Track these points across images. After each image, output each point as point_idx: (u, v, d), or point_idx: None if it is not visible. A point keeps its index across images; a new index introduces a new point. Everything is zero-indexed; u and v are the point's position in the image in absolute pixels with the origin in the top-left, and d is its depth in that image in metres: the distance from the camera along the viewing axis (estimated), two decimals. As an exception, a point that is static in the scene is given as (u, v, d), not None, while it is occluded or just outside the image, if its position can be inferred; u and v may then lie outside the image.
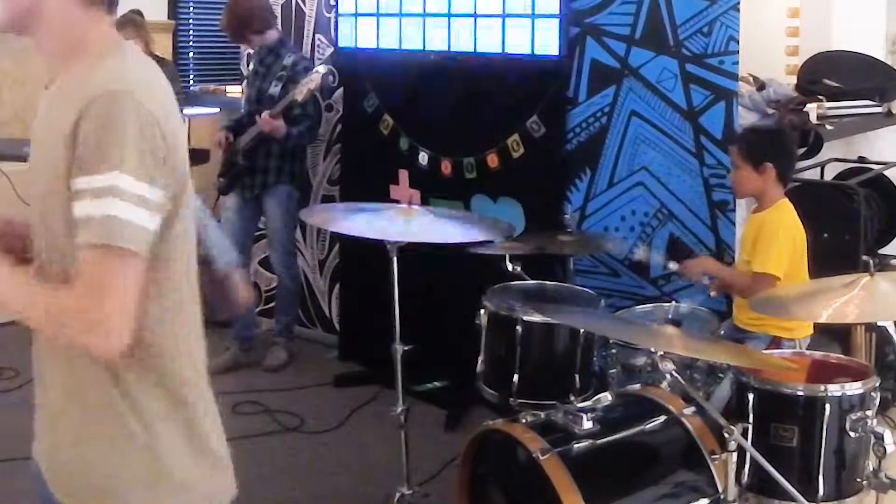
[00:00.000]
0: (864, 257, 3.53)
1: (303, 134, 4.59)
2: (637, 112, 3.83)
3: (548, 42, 3.95)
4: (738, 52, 3.58)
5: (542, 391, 3.01)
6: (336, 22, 4.76)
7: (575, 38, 3.93)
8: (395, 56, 4.48)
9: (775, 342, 3.17)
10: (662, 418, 2.56)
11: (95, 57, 1.55)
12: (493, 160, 4.21)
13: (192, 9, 7.22)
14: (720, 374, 2.97)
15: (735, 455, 2.36)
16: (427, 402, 4.15)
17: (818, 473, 2.49)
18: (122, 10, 5.56)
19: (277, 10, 5.01)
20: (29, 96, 5.62)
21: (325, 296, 5.11)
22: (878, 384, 2.57)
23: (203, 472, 1.67)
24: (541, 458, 2.34)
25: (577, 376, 3.05)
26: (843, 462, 2.50)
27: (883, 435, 2.49)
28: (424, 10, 4.33)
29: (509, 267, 3.37)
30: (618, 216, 3.95)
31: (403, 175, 4.53)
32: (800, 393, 2.53)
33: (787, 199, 3.27)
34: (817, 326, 3.25)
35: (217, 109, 6.20)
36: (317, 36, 4.94)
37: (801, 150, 3.88)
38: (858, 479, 2.52)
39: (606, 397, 2.66)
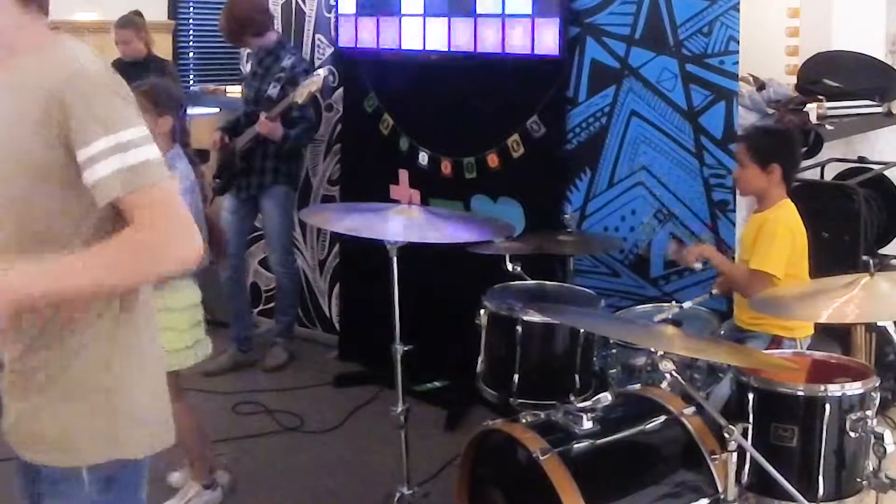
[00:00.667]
0: (864, 257, 3.53)
1: (300, 136, 4.59)
2: (637, 112, 3.83)
3: (548, 42, 3.95)
4: (738, 52, 3.58)
5: (542, 391, 3.01)
6: (336, 22, 4.76)
7: (575, 38, 3.93)
8: (395, 56, 4.48)
9: (776, 341, 3.18)
10: (662, 418, 2.56)
11: (35, 52, 1.68)
12: (493, 160, 4.21)
13: (192, 9, 7.22)
14: (720, 374, 2.97)
15: (735, 455, 2.36)
16: (427, 402, 4.15)
17: (818, 473, 2.49)
18: (122, 10, 5.56)
19: (277, 11, 5.01)
20: None
21: (325, 296, 5.11)
22: (878, 384, 2.57)
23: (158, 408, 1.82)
24: (541, 458, 2.34)
25: (577, 376, 3.05)
26: (843, 462, 2.50)
27: (883, 435, 2.49)
28: (425, 10, 4.33)
29: (509, 267, 3.36)
30: (618, 216, 3.95)
31: (403, 175, 4.53)
32: (800, 393, 2.53)
33: (788, 199, 3.27)
34: (817, 326, 3.25)
35: (217, 109, 6.19)
36: (317, 36, 4.94)
37: (802, 150, 3.88)
38: (858, 479, 2.52)
39: (606, 397, 2.65)
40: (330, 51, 4.87)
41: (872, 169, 4.59)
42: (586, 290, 3.45)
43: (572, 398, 2.89)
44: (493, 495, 2.60)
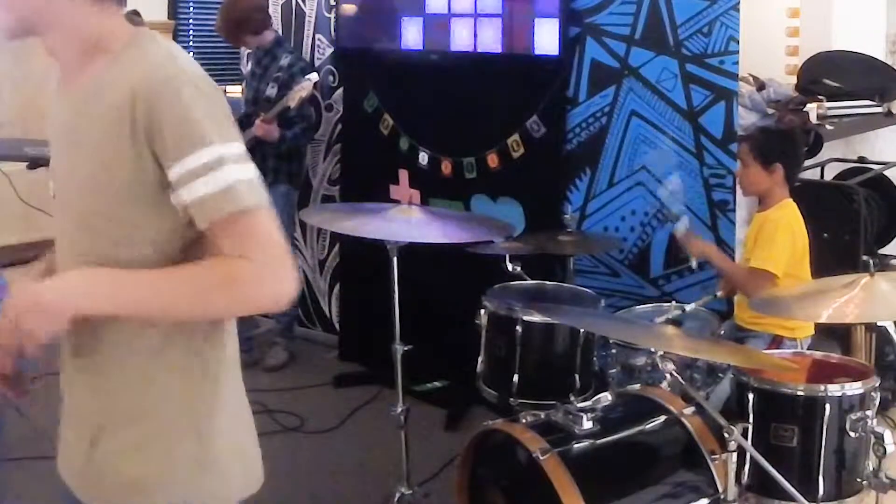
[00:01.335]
0: (864, 257, 3.53)
1: (297, 136, 4.59)
2: (637, 112, 3.83)
3: (548, 42, 3.95)
4: (738, 52, 3.58)
5: (542, 391, 3.01)
6: (336, 22, 4.75)
7: (575, 38, 3.93)
8: (395, 56, 4.48)
9: (776, 341, 3.18)
10: (662, 418, 2.56)
11: (119, 50, 1.51)
12: (493, 160, 4.21)
13: (192, 9, 7.22)
14: (720, 374, 2.97)
15: (735, 455, 2.36)
16: (427, 402, 4.15)
17: (818, 473, 2.49)
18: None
19: (277, 11, 5.01)
20: (30, 96, 5.62)
21: (325, 296, 5.11)
22: (878, 384, 2.57)
23: (239, 460, 1.66)
24: (541, 458, 2.34)
25: (577, 376, 3.05)
26: (843, 462, 2.50)
27: (883, 435, 2.49)
28: (425, 10, 4.33)
29: (509, 267, 3.37)
30: (618, 216, 3.95)
31: (403, 175, 4.53)
32: (800, 393, 2.53)
33: (790, 199, 3.27)
34: (817, 326, 3.26)
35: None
36: (317, 36, 4.94)
37: (804, 150, 3.88)
38: (858, 479, 2.52)
39: (606, 397, 2.65)
40: (330, 51, 4.87)
41: (872, 169, 4.60)
42: (586, 290, 3.45)
43: (572, 398, 2.89)
44: (493, 495, 2.60)
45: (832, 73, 4.69)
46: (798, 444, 2.49)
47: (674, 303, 3.34)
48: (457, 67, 4.25)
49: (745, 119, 4.19)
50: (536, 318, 3.03)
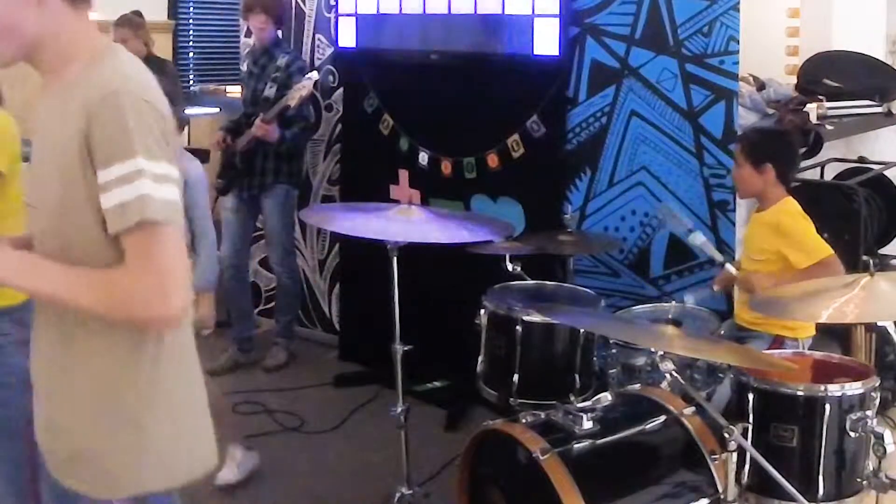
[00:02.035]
0: (864, 257, 3.53)
1: (297, 135, 4.60)
2: (637, 112, 3.83)
3: (548, 42, 3.95)
4: (738, 52, 3.58)
5: (542, 391, 3.01)
6: (336, 22, 4.76)
7: (575, 38, 3.93)
8: (395, 56, 4.48)
9: (777, 341, 3.18)
10: (662, 418, 2.56)
11: (88, 61, 1.64)
12: (493, 160, 4.21)
13: (192, 9, 7.22)
14: (720, 374, 2.97)
15: (735, 455, 2.36)
16: (427, 402, 4.15)
17: (818, 473, 2.49)
18: (122, 10, 5.55)
19: (277, 11, 5.01)
20: (29, 96, 5.61)
21: (325, 296, 5.11)
22: (878, 384, 2.57)
23: (183, 446, 1.75)
24: (541, 458, 2.34)
25: (577, 376, 3.05)
26: (843, 462, 2.50)
27: (883, 435, 2.49)
28: (425, 10, 4.33)
29: (509, 267, 3.37)
30: (618, 216, 3.95)
31: (403, 175, 4.53)
32: (800, 393, 2.53)
33: (790, 197, 3.27)
34: (818, 326, 3.25)
35: (217, 109, 6.20)
36: (317, 36, 4.94)
37: (802, 150, 3.88)
38: (858, 479, 2.52)
39: (606, 397, 2.66)
40: (330, 51, 4.87)
41: (872, 169, 4.59)
42: (586, 290, 3.45)
43: (572, 398, 2.89)
44: (493, 495, 2.60)
45: (832, 73, 4.69)
46: (798, 444, 2.49)
47: (673, 302, 3.34)
48: (457, 67, 4.25)
49: (745, 119, 4.18)
50: (536, 318, 3.03)
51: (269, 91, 4.55)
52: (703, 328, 3.20)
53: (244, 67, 4.79)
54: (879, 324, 3.75)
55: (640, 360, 3.02)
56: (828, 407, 2.49)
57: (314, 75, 4.47)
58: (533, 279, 3.45)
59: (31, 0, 1.61)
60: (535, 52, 3.99)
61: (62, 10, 1.64)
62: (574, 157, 4.03)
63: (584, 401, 2.79)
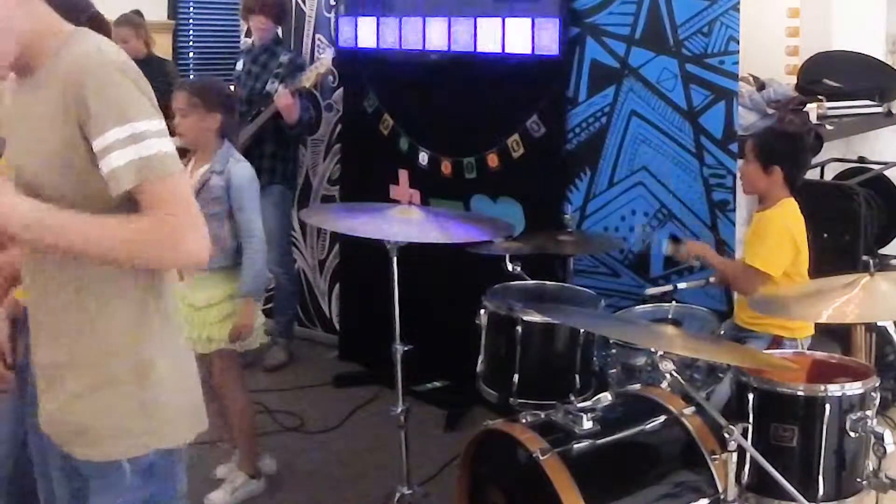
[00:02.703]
0: (864, 257, 3.53)
1: (308, 123, 4.63)
2: (637, 112, 3.83)
3: (548, 42, 3.95)
4: (738, 52, 3.58)
5: (542, 391, 3.01)
6: (336, 22, 4.76)
7: (575, 38, 3.93)
8: (395, 56, 4.48)
9: (777, 341, 3.18)
10: (662, 418, 2.56)
11: (58, 47, 1.68)
12: (493, 160, 4.21)
13: (192, 9, 7.22)
14: (720, 374, 2.97)
15: (735, 455, 2.36)
16: (427, 402, 4.15)
17: (818, 473, 2.49)
18: (122, 10, 5.54)
19: (277, 10, 5.01)
20: None
21: (325, 296, 5.11)
22: (878, 384, 2.57)
23: (185, 403, 1.82)
24: (541, 458, 2.34)
25: (577, 376, 3.05)
26: (843, 462, 2.50)
27: (883, 435, 2.49)
28: (425, 9, 4.33)
29: (509, 267, 3.36)
30: (618, 216, 3.95)
31: (403, 175, 4.53)
32: (800, 393, 2.52)
33: (791, 199, 3.27)
34: (817, 327, 3.25)
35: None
36: (317, 36, 4.94)
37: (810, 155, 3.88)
38: (858, 479, 2.52)
39: (606, 397, 2.66)
40: (330, 51, 4.87)
41: (872, 169, 4.60)
42: (586, 290, 3.45)
43: (572, 398, 2.89)
44: (493, 495, 2.60)
45: (832, 73, 4.69)
46: (798, 444, 2.49)
47: (673, 303, 3.33)
48: (457, 67, 4.25)
49: (745, 119, 4.18)
50: (536, 318, 3.03)
51: (271, 87, 4.55)
52: (703, 328, 3.21)
53: (239, 66, 4.78)
54: (879, 324, 3.75)
55: (640, 360, 3.02)
56: (828, 407, 2.48)
57: (329, 52, 4.46)
58: (533, 279, 3.45)
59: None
60: (535, 52, 3.99)
61: (38, 5, 1.70)
62: (574, 157, 4.03)
63: (584, 401, 2.79)
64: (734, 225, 3.66)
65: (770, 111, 4.36)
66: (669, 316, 3.12)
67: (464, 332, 3.31)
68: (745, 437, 2.45)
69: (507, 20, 4.06)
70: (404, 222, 3.06)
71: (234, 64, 4.88)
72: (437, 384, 4.33)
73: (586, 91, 3.95)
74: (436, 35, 4.29)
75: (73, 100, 1.60)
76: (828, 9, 5.26)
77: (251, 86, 4.65)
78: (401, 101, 4.53)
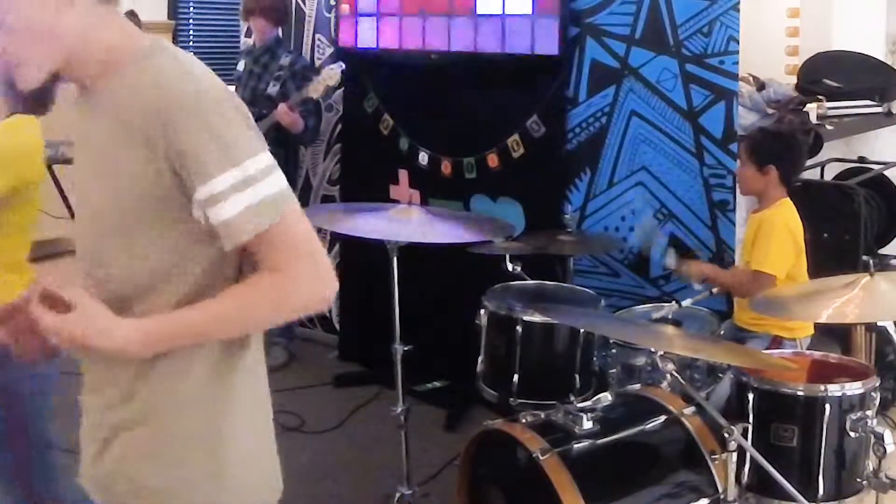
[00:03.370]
0: (864, 257, 3.53)
1: (315, 128, 4.62)
2: (637, 112, 3.83)
3: (548, 42, 3.95)
4: (738, 52, 3.58)
5: (542, 391, 3.01)
6: (336, 22, 4.76)
7: (575, 38, 3.93)
8: (395, 56, 4.48)
9: (776, 342, 3.18)
10: (662, 418, 2.56)
11: (138, 60, 1.46)
12: (493, 160, 4.21)
13: (192, 9, 7.23)
14: (720, 374, 2.97)
15: (735, 455, 2.36)
16: (427, 402, 4.15)
17: (818, 473, 2.49)
18: (121, 10, 5.52)
19: (277, 10, 5.01)
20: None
21: (325, 296, 5.10)
22: (878, 384, 2.57)
23: (254, 471, 1.68)
24: (541, 458, 2.34)
25: (577, 376, 3.05)
26: (843, 462, 2.50)
27: (883, 435, 2.49)
28: (425, 9, 4.33)
29: (509, 267, 3.36)
30: (618, 216, 3.95)
31: (403, 175, 4.53)
32: (800, 393, 2.53)
33: (787, 199, 3.27)
34: (817, 327, 3.25)
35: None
36: (317, 36, 4.93)
37: (805, 154, 3.88)
38: (858, 479, 2.52)
39: (606, 397, 2.66)
40: (330, 51, 4.87)
41: (872, 169, 4.60)
42: (586, 290, 3.45)
43: (572, 398, 2.89)
44: (493, 495, 2.60)
45: (832, 73, 4.70)
46: (798, 444, 2.49)
47: (673, 303, 3.34)
48: (457, 67, 4.25)
49: (745, 119, 4.18)
50: (536, 318, 3.03)
51: (273, 89, 4.55)
52: (703, 328, 3.21)
53: (240, 67, 4.78)
54: (879, 324, 3.74)
55: (640, 360, 3.02)
56: (828, 407, 2.49)
57: (339, 66, 4.43)
58: (533, 279, 3.45)
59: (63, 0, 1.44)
60: (535, 52, 3.99)
61: (93, 8, 1.47)
62: (574, 157, 4.03)
63: (584, 401, 2.80)
64: (734, 225, 3.66)
65: (770, 111, 4.36)
66: (669, 316, 3.12)
67: (464, 332, 3.31)
68: (745, 437, 2.45)
69: (507, 20, 4.06)
70: (404, 222, 3.06)
71: (235, 64, 4.88)
72: (437, 384, 4.32)
73: (586, 91, 3.95)
74: (436, 35, 4.30)
75: (164, 136, 1.39)
76: (828, 9, 5.26)
77: (253, 86, 4.64)
78: (401, 101, 4.53)
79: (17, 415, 2.37)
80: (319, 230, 5.36)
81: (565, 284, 3.60)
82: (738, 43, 3.57)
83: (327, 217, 3.51)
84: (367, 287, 4.45)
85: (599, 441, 2.45)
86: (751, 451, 2.42)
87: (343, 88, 4.80)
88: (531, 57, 4.00)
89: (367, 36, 4.59)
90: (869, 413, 2.51)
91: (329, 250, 5.05)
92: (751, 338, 3.22)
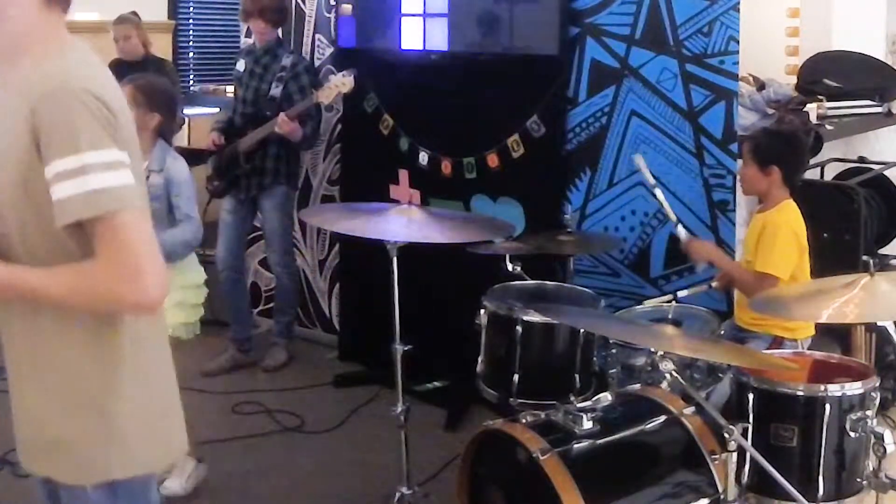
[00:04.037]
0: (864, 257, 3.53)
1: (315, 134, 4.62)
2: (637, 112, 3.83)
3: (548, 42, 3.95)
4: (738, 52, 3.58)
5: (542, 391, 3.01)
6: (336, 22, 4.75)
7: (575, 38, 3.93)
8: (395, 56, 4.48)
9: (777, 342, 3.18)
10: (662, 418, 2.56)
11: (40, 57, 1.65)
12: (493, 160, 4.21)
13: (192, 9, 7.23)
14: (720, 374, 2.97)
15: (735, 455, 2.36)
16: (427, 402, 4.15)
17: (818, 473, 2.49)
18: (121, 10, 5.54)
19: (277, 10, 5.00)
20: None
21: (325, 296, 5.11)
22: (878, 384, 2.57)
23: (148, 436, 1.78)
24: (541, 458, 2.34)
25: (577, 376, 3.05)
26: (843, 462, 2.50)
27: (883, 435, 2.49)
28: (425, 10, 4.33)
29: (509, 267, 3.36)
30: (618, 216, 3.95)
31: (403, 175, 4.53)
32: (800, 393, 2.53)
33: (790, 200, 3.27)
34: (818, 327, 3.25)
35: (217, 109, 6.20)
36: (317, 36, 4.93)
37: (808, 154, 3.88)
38: (858, 479, 2.52)
39: (606, 397, 2.66)
40: (330, 51, 4.87)
41: (872, 169, 4.60)
42: (586, 290, 3.45)
43: (572, 398, 2.89)
44: (493, 495, 2.60)
45: (832, 73, 4.70)
46: (798, 444, 2.49)
47: (674, 303, 3.34)
48: (457, 67, 4.25)
49: (745, 119, 4.18)
50: (536, 318, 3.03)
51: (275, 90, 4.55)
52: (703, 328, 3.21)
53: (241, 66, 4.77)
54: (879, 324, 3.75)
55: (640, 360, 3.02)
56: (828, 407, 2.49)
57: (353, 72, 4.41)
58: (533, 279, 3.45)
59: None
60: (535, 52, 3.99)
61: (27, 3, 1.66)
62: (574, 157, 4.03)
63: (584, 401, 2.79)
64: (734, 225, 3.66)
65: (770, 111, 4.36)
66: (669, 316, 3.12)
67: (464, 332, 3.31)
68: (745, 437, 2.45)
69: (506, 20, 4.06)
70: (404, 222, 3.06)
71: (234, 64, 4.87)
72: (437, 384, 4.32)
73: (586, 91, 3.95)
74: (436, 35, 4.30)
75: (35, 120, 1.57)
76: (828, 9, 5.26)
77: (255, 87, 4.64)
78: (401, 101, 4.53)
79: None
80: (320, 230, 5.40)
81: (565, 284, 3.60)
82: (738, 43, 3.57)
83: (327, 217, 3.51)
84: (367, 287, 4.46)
85: (599, 441, 2.45)
86: (751, 451, 2.42)
87: (343, 88, 4.81)
88: (531, 57, 4.00)
89: (367, 36, 4.59)
90: (869, 413, 2.51)
91: (329, 250, 5.05)
92: (751, 338, 3.22)
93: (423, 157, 4.45)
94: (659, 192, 3.45)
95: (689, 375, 2.91)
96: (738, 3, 3.55)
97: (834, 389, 2.51)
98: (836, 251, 3.92)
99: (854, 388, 2.52)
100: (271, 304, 5.12)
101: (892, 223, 4.54)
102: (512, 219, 3.88)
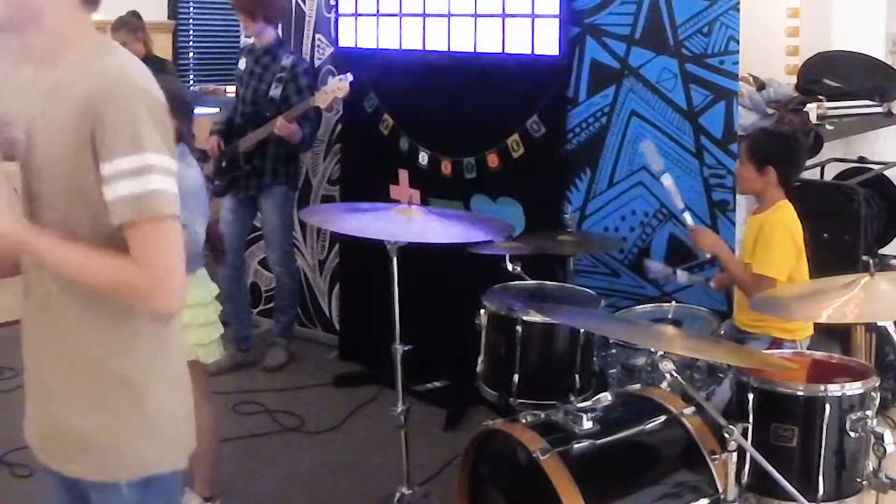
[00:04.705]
0: (864, 257, 3.53)
1: (313, 136, 4.62)
2: (637, 112, 3.83)
3: (548, 42, 3.95)
4: (738, 52, 3.58)
5: (542, 391, 3.01)
6: (336, 22, 4.76)
7: (575, 38, 3.93)
8: (395, 56, 4.48)
9: (776, 343, 3.18)
10: (662, 418, 2.56)
11: (88, 53, 1.68)
12: (493, 160, 4.21)
13: (192, 9, 7.23)
14: (720, 374, 2.97)
15: (735, 455, 2.36)
16: (427, 402, 4.15)
17: (818, 473, 2.49)
18: (122, 10, 5.54)
19: (277, 10, 5.00)
20: None
21: (325, 296, 5.11)
22: (878, 384, 2.57)
23: (179, 429, 1.80)
24: (541, 458, 2.34)
25: (577, 376, 3.05)
26: (843, 462, 2.50)
27: (883, 435, 2.49)
28: (424, 10, 4.33)
29: (509, 267, 3.37)
30: (618, 216, 3.95)
31: (403, 175, 4.53)
32: (800, 393, 2.53)
33: (786, 201, 3.27)
34: (817, 327, 3.25)
35: (217, 109, 6.19)
36: (317, 36, 4.93)
37: (805, 155, 3.88)
38: (858, 479, 2.52)
39: (606, 397, 2.66)
40: (330, 51, 4.87)
41: (872, 169, 4.59)
42: (586, 290, 3.45)
43: (572, 398, 2.89)
44: (493, 495, 2.60)
45: (832, 73, 4.70)
46: (798, 444, 2.49)
47: (674, 303, 3.33)
48: (457, 67, 4.25)
49: (745, 119, 4.19)
50: (536, 318, 3.03)
51: (275, 91, 4.54)
52: (703, 328, 3.21)
53: (241, 65, 4.77)
54: (879, 324, 3.75)
55: (640, 360, 3.02)
56: (828, 407, 2.49)
57: (349, 76, 4.40)
58: (533, 279, 3.45)
59: None
60: (535, 52, 3.99)
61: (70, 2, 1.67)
62: (574, 157, 4.03)
63: (584, 401, 2.79)
64: (734, 225, 3.66)
65: (770, 111, 4.36)
66: (669, 316, 3.12)
67: (464, 332, 3.32)
68: (745, 437, 2.45)
69: (507, 20, 4.06)
70: (404, 222, 3.06)
71: (235, 64, 4.87)
72: (437, 384, 4.33)
73: (586, 91, 3.95)
74: (436, 35, 4.30)
75: (92, 117, 1.58)
76: (828, 9, 5.27)
77: (255, 86, 4.63)
78: (401, 101, 4.53)
79: None
80: (320, 230, 5.40)
81: (565, 284, 3.60)
82: (738, 43, 3.57)
83: (327, 217, 3.51)
84: (367, 287, 4.46)
85: (599, 441, 2.45)
86: (751, 451, 2.42)
87: (343, 88, 4.81)
88: (531, 57, 4.00)
89: (367, 36, 4.59)
90: (869, 413, 2.51)
91: (329, 250, 5.05)
92: (750, 340, 3.22)
93: (423, 157, 4.45)
94: (667, 178, 3.41)
95: (689, 375, 2.91)
96: (738, 3, 3.55)
97: (834, 389, 2.51)
98: (835, 251, 3.92)
99: (854, 388, 2.52)
100: (271, 304, 5.13)
101: (892, 223, 4.54)
102: (512, 219, 3.88)
